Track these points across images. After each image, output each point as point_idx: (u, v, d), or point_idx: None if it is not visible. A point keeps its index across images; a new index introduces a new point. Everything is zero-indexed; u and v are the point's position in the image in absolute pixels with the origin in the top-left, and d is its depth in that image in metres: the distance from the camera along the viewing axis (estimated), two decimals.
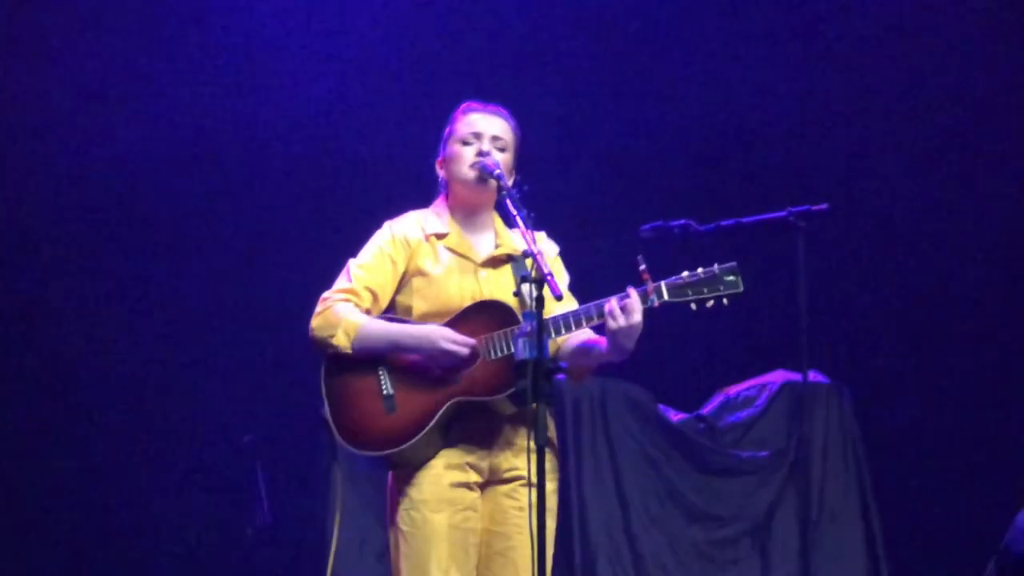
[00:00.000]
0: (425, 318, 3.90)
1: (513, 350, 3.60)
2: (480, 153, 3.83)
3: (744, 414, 6.50)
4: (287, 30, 7.37)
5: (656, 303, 3.67)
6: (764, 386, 6.47)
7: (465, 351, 3.82)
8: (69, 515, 6.70)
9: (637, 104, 7.38)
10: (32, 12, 7.14)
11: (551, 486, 3.70)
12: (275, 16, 7.38)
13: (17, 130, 7.07)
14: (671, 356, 6.51)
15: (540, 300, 3.40)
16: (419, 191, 4.20)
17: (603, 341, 3.79)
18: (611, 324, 3.63)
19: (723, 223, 5.54)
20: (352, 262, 3.91)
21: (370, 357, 3.82)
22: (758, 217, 5.53)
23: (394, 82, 6.97)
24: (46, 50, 7.19)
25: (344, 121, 6.95)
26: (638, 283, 3.65)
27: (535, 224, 3.68)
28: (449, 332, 3.84)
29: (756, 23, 7.56)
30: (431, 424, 3.73)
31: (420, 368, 3.82)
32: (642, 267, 3.64)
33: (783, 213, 5.40)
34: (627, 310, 3.63)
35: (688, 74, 7.60)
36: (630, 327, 3.62)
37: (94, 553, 6.57)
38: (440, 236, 3.95)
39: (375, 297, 3.89)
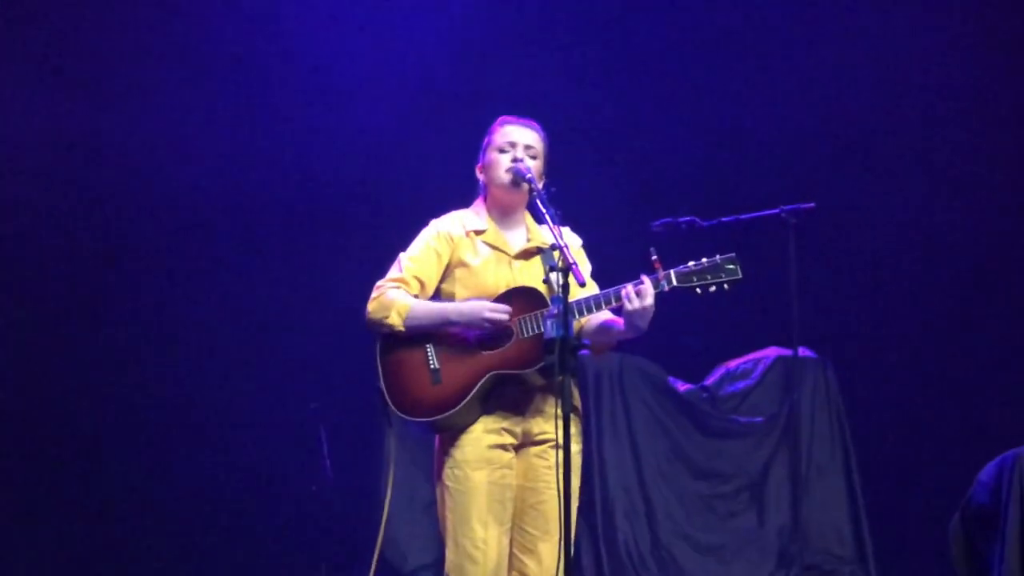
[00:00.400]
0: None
1: (543, 329, 4.00)
2: (514, 160, 4.16)
3: (742, 384, 6.97)
4: (351, 60, 7.81)
5: (666, 288, 3.99)
6: (759, 360, 6.97)
7: (504, 317, 4.13)
8: (168, 472, 7.22)
9: (649, 114, 7.83)
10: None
11: (576, 448, 4.11)
12: (341, 42, 7.82)
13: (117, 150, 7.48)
14: (679, 334, 6.76)
15: (566, 286, 3.79)
16: (460, 194, 4.56)
17: (620, 321, 4.10)
18: (627, 306, 3.95)
19: (724, 219, 5.98)
20: (403, 255, 4.24)
21: (419, 334, 4.15)
22: (755, 214, 6.01)
23: (439, 99, 7.37)
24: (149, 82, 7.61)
25: (396, 136, 7.32)
26: (650, 271, 3.98)
27: (561, 220, 4.01)
28: (489, 303, 4.17)
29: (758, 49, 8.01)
30: (472, 394, 4.08)
31: (463, 344, 4.15)
32: (654, 257, 3.95)
33: (776, 211, 5.90)
34: (641, 294, 3.94)
35: (693, 89, 7.96)
36: (644, 309, 3.93)
37: (186, 498, 7.03)
38: (479, 232, 4.27)
39: (422, 285, 4.22)
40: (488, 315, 4.13)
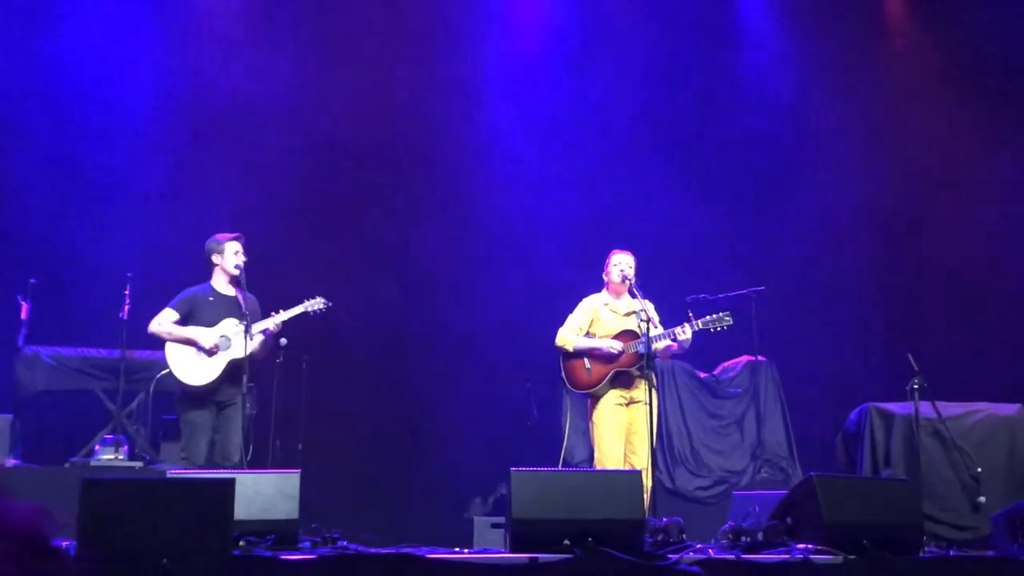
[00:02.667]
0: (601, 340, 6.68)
1: (638, 349, 6.45)
2: (622, 271, 6.74)
3: (731, 373, 9.23)
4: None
5: (697, 329, 6.42)
6: (740, 362, 9.19)
7: (618, 349, 6.41)
8: (451, 411, 9.00)
9: (687, 209, 9.47)
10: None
11: (654, 405, 6.26)
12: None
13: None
14: (701, 350, 7.71)
15: (648, 331, 6.36)
16: (598, 286, 6.97)
17: (675, 345, 6.50)
18: (679, 338, 6.40)
19: (721, 295, 7.84)
20: (571, 315, 6.83)
21: (579, 353, 6.60)
22: (735, 292, 8.08)
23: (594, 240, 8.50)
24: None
25: (572, 253, 8.86)
26: (688, 320, 6.48)
27: (643, 295, 6.59)
28: (611, 340, 6.41)
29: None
30: (605, 380, 6.48)
31: (600, 356, 6.53)
32: (690, 314, 6.49)
33: (746, 291, 8.20)
34: (684, 332, 6.36)
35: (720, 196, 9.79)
36: (686, 340, 6.36)
37: (446, 440, 9.00)
38: (606, 304, 6.79)
39: (580, 330, 6.70)
40: (612, 348, 6.51)
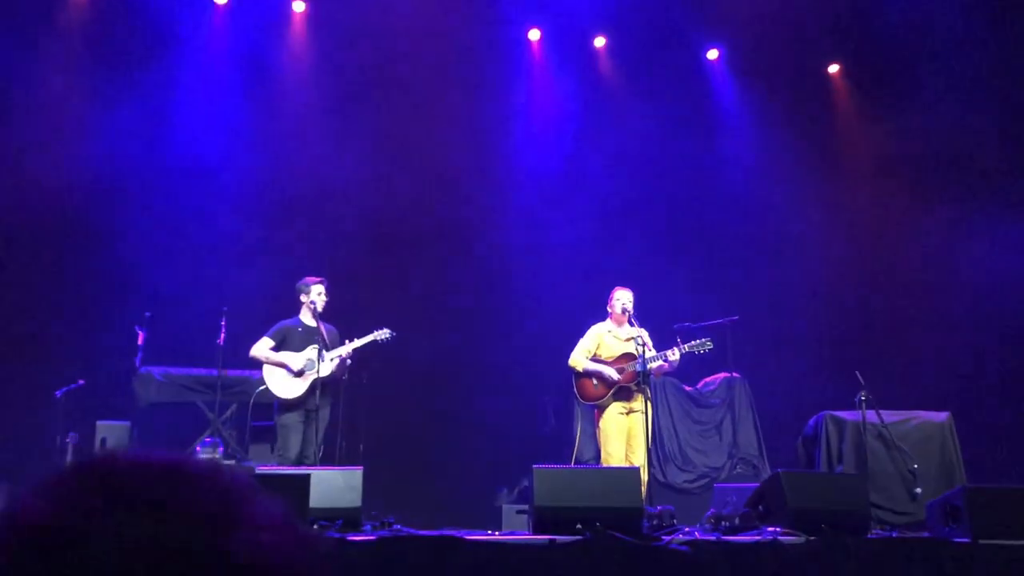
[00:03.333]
0: (605, 360, 6.71)
1: (636, 368, 6.51)
2: (623, 305, 6.84)
3: (711, 387, 9.07)
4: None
5: (684, 351, 6.50)
6: (718, 378, 9.03)
7: (616, 378, 6.46)
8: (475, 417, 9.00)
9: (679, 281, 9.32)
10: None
11: (649, 414, 6.39)
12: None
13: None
14: (687, 370, 8.01)
15: (644, 353, 6.43)
16: (603, 316, 7.03)
17: (666, 365, 6.53)
18: (669, 359, 6.49)
19: (703, 324, 8.01)
20: (581, 340, 6.82)
21: (588, 374, 6.65)
22: (713, 321, 8.25)
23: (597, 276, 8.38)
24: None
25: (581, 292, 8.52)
26: (676, 344, 6.57)
27: (640, 324, 6.69)
28: (611, 367, 6.51)
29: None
30: (610, 392, 6.53)
31: (603, 377, 6.63)
32: (678, 339, 6.57)
33: (722, 321, 8.33)
34: (673, 354, 6.46)
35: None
36: (676, 360, 6.49)
37: (475, 447, 8.94)
38: (610, 331, 6.83)
39: (588, 352, 6.74)
40: (613, 375, 6.58)
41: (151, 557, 0.60)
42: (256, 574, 0.62)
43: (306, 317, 7.27)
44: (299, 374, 7.01)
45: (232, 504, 0.65)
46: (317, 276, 7.30)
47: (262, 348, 7.10)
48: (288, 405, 6.98)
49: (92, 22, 9.09)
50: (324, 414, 7.02)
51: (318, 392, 6.95)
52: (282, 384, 7.02)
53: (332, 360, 7.01)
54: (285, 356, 7.07)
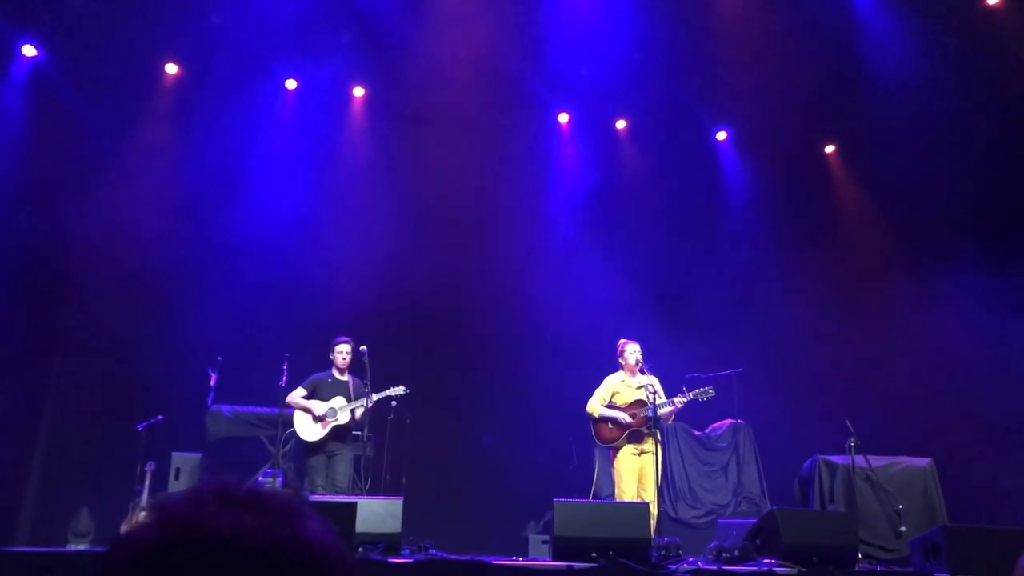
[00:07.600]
0: (619, 406, 6.66)
1: (647, 414, 6.51)
2: (637, 357, 6.76)
3: (718, 432, 8.92)
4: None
5: (689, 398, 6.48)
6: (724, 424, 8.87)
7: (629, 420, 6.41)
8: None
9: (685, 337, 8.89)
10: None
11: (659, 455, 6.38)
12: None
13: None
14: (693, 415, 8.03)
15: (654, 400, 6.40)
16: (615, 367, 6.93)
17: (674, 410, 6.55)
18: (676, 405, 6.49)
19: (711, 374, 7.47)
20: (597, 390, 6.76)
21: (604, 419, 6.63)
22: (720, 373, 7.77)
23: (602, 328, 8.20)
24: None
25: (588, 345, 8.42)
26: (681, 392, 6.55)
27: (650, 372, 6.64)
28: (624, 413, 6.44)
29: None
30: (624, 435, 6.49)
31: (617, 422, 6.57)
32: (684, 387, 6.53)
33: (728, 372, 8.00)
34: (678, 400, 6.44)
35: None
36: (681, 405, 6.46)
37: (497, 466, 8.95)
38: (623, 380, 6.78)
39: (603, 400, 6.68)
40: (626, 420, 6.53)
41: (255, 539, 0.80)
42: (317, 550, 0.82)
43: (335, 370, 7.33)
44: (320, 419, 7.05)
45: (300, 505, 0.86)
46: (347, 335, 7.33)
47: (295, 395, 7.20)
48: (310, 447, 7.04)
49: (178, 101, 9.31)
50: (344, 457, 7.03)
51: (344, 436, 6.99)
52: (305, 428, 7.08)
53: (352, 410, 7.05)
54: (311, 403, 7.12)
